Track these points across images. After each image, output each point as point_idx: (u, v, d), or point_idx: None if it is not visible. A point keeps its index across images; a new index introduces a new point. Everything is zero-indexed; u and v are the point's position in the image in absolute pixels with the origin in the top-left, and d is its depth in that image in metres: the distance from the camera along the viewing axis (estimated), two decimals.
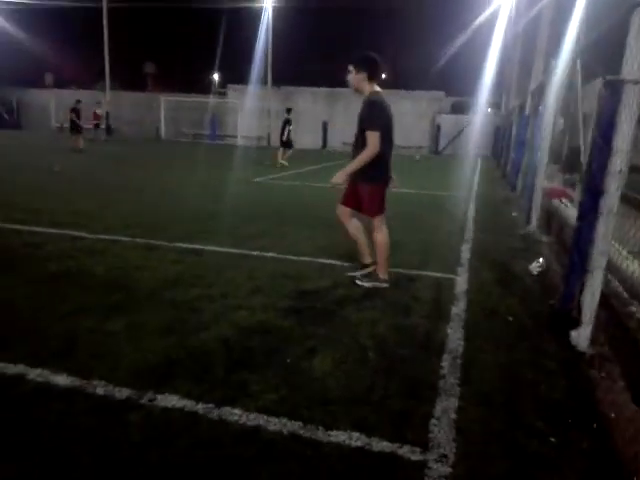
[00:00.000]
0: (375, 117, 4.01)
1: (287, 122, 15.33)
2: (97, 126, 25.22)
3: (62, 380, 2.62)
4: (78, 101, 19.01)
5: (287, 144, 15.61)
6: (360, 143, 4.09)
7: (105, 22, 30.43)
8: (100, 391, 2.54)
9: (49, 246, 5.13)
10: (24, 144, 21.21)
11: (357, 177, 4.16)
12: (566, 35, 6.47)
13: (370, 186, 4.16)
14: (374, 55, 4.10)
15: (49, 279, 4.15)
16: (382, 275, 4.30)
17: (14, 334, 3.13)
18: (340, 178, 4.14)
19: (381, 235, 4.28)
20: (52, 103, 34.12)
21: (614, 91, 3.00)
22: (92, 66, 36.21)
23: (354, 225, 4.41)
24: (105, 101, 30.67)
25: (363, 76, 4.03)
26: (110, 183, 10.34)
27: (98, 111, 25.20)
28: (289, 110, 15.72)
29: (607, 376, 2.95)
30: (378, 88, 4.13)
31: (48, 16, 36.43)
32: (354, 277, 4.42)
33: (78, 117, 18.30)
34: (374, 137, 3.96)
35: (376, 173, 4.12)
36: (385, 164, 4.16)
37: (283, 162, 15.49)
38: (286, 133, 15.36)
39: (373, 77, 4.07)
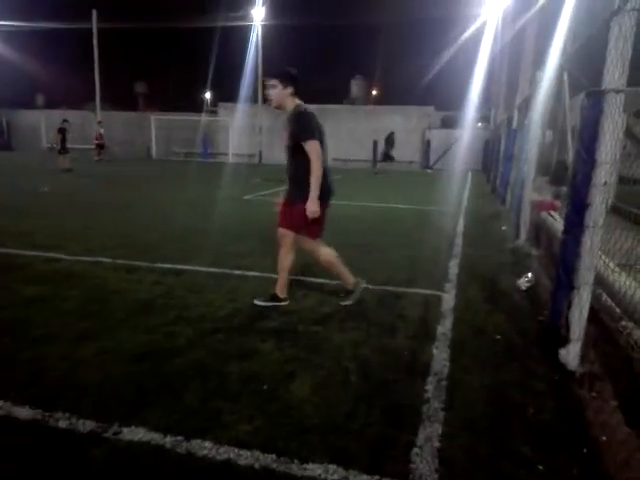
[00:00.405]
0: (309, 126, 3.78)
1: None
2: (102, 146, 24.81)
3: (24, 413, 2.48)
4: (65, 121, 18.89)
5: None
6: (295, 163, 3.88)
7: (95, 42, 30.51)
8: (63, 424, 2.39)
9: (26, 269, 4.98)
10: (13, 165, 21.06)
11: (293, 196, 3.94)
12: (551, 47, 6.46)
13: (303, 205, 3.83)
14: (294, 69, 3.90)
15: (22, 304, 4.00)
16: (351, 285, 4.27)
17: None
18: (316, 206, 3.81)
19: (323, 256, 4.17)
20: (43, 123, 34.02)
21: (596, 101, 2.93)
22: (83, 86, 36.25)
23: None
24: (95, 121, 30.64)
25: (289, 91, 3.84)
26: (96, 203, 10.20)
27: (102, 131, 24.92)
28: None
29: (598, 395, 2.84)
30: (299, 101, 3.92)
31: (39, 37, 36.59)
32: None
33: (64, 137, 18.18)
34: (314, 145, 3.74)
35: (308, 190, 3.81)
36: (325, 179, 3.87)
37: None
38: None
39: (297, 92, 3.89)
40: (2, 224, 7.34)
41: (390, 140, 24.69)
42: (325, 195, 3.92)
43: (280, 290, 4.15)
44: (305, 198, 3.80)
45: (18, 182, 13.95)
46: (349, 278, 4.28)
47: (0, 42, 35.21)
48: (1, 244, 5.96)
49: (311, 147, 3.75)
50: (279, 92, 3.83)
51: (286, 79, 3.82)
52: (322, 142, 3.85)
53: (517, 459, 2.27)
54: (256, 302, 4.11)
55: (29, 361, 3.02)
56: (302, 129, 3.78)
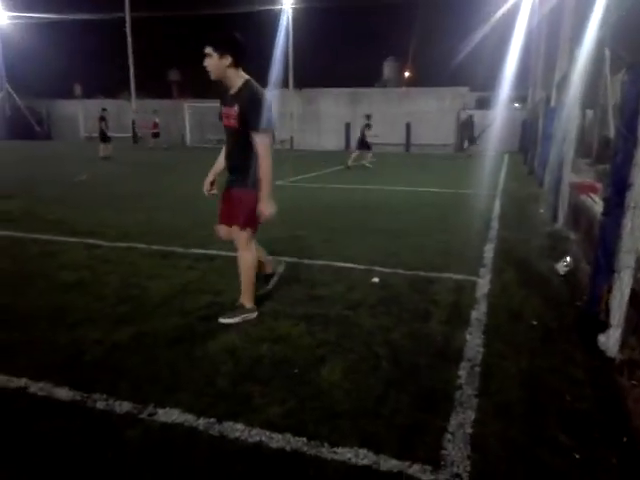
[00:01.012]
0: (264, 112, 3.22)
1: (367, 126, 17.06)
2: (157, 135, 26.01)
3: (64, 394, 2.57)
4: (104, 109, 19.36)
5: (366, 146, 17.18)
6: (241, 150, 3.36)
7: (128, 31, 30.94)
8: (100, 405, 2.47)
9: (65, 255, 5.14)
10: (53, 154, 21.69)
11: (235, 182, 3.47)
12: (589, 21, 6.17)
13: (250, 193, 3.39)
14: (239, 35, 3.30)
15: (61, 289, 4.13)
16: (248, 304, 3.58)
17: (21, 345, 3.10)
18: (272, 207, 3.41)
19: (250, 255, 3.53)
20: (80, 113, 34.88)
21: (637, 76, 2.79)
22: (118, 75, 36.88)
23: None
24: (132, 110, 31.23)
25: (228, 62, 3.20)
26: (132, 190, 10.41)
27: (157, 120, 25.97)
28: (368, 116, 17.65)
29: (638, 384, 2.74)
30: (247, 75, 3.34)
31: (75, 28, 37.27)
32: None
33: (106, 125, 18.71)
34: (267, 139, 3.29)
35: (257, 177, 3.36)
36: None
37: (365, 163, 16.96)
38: (366, 136, 17.07)
39: (240, 62, 3.27)
40: (42, 211, 7.58)
41: (469, 124, 24.82)
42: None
43: (248, 299, 3.58)
44: (251, 185, 3.37)
45: (58, 170, 14.37)
46: (269, 266, 4.00)
47: (37, 34, 36.04)
48: (40, 231, 6.16)
49: (263, 140, 3.28)
50: (215, 63, 3.22)
51: (223, 46, 3.20)
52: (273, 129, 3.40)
53: (553, 447, 2.21)
54: (221, 320, 3.46)
55: (67, 345, 3.12)
56: (256, 114, 3.21)
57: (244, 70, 3.34)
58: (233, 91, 3.33)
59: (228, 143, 3.51)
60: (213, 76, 3.30)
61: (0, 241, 5.77)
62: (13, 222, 6.76)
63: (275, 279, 4.07)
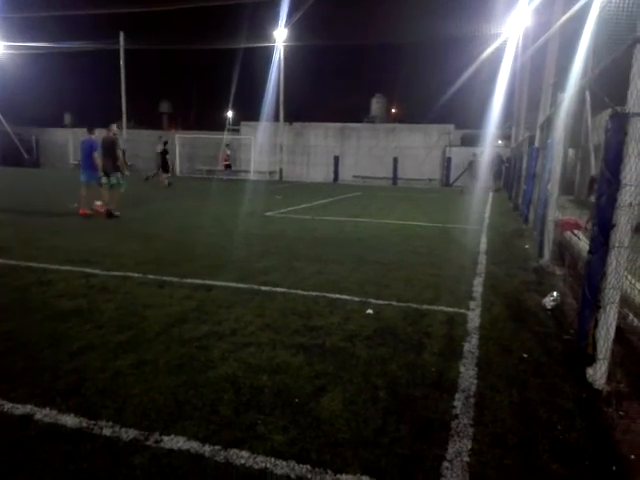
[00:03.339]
0: None
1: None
2: (229, 167, 29.00)
3: (70, 420, 2.61)
4: (165, 143, 21.15)
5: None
6: None
7: (122, 63, 31.40)
8: (107, 432, 2.52)
9: (61, 283, 5.17)
10: (44, 181, 21.67)
11: None
12: (573, 67, 6.53)
13: None
14: None
15: (61, 316, 4.17)
16: None
17: (24, 373, 3.13)
18: None
19: None
20: (70, 142, 34.99)
21: (620, 124, 3.01)
22: (109, 105, 37.23)
23: None
24: (122, 138, 31.40)
25: None
26: (126, 218, 10.47)
27: (228, 152, 28.94)
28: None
29: (626, 414, 2.86)
30: None
31: (67, 58, 37.74)
32: None
33: (165, 158, 20.60)
34: None
35: None
36: None
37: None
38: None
39: None
40: (35, 239, 7.60)
41: (497, 162, 26.37)
42: None
43: None
44: None
45: (50, 198, 14.37)
46: None
47: (29, 62, 36.41)
48: (36, 259, 6.19)
49: None
50: None
51: None
52: None
53: (546, 475, 2.31)
54: None
55: (70, 372, 3.16)
56: None
57: None
58: None
59: None
60: None
61: None
62: (7, 250, 6.78)
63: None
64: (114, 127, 11.11)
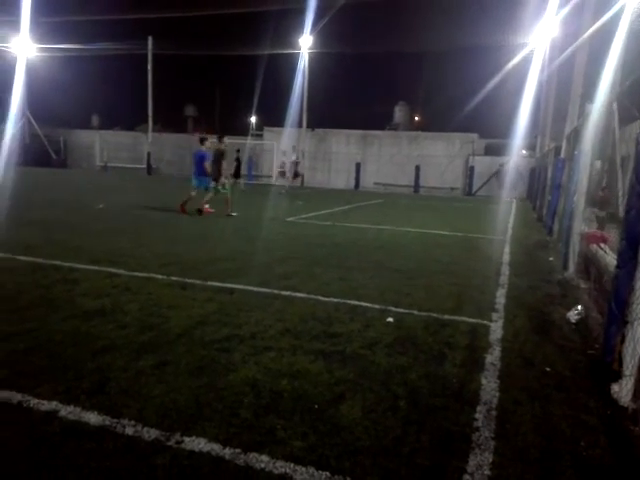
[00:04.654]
0: None
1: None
2: (297, 174, 28.01)
3: (93, 418, 2.65)
4: (237, 151, 21.36)
5: None
6: None
7: (150, 67, 31.98)
8: (129, 431, 2.55)
9: (86, 283, 5.27)
10: (72, 182, 22.12)
11: None
12: (601, 78, 6.44)
13: None
14: None
15: (84, 316, 4.24)
16: None
17: (48, 370, 3.19)
18: None
19: None
20: (97, 143, 35.72)
21: None
22: (135, 108, 37.91)
23: None
24: (148, 142, 31.95)
25: None
26: (149, 220, 10.63)
27: (293, 159, 28.53)
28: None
29: None
30: None
31: (96, 61, 38.60)
32: None
33: (239, 165, 21.01)
34: None
35: None
36: None
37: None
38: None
39: None
40: (62, 238, 7.77)
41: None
42: None
43: None
44: None
45: (77, 198, 14.66)
46: None
47: (59, 65, 37.30)
48: (61, 257, 6.31)
49: None
50: None
51: None
52: None
53: None
54: None
55: (94, 370, 3.21)
56: None
57: None
58: None
59: None
60: None
61: (23, 267, 5.91)
62: (35, 248, 6.93)
63: None
64: (225, 140, 12.48)
